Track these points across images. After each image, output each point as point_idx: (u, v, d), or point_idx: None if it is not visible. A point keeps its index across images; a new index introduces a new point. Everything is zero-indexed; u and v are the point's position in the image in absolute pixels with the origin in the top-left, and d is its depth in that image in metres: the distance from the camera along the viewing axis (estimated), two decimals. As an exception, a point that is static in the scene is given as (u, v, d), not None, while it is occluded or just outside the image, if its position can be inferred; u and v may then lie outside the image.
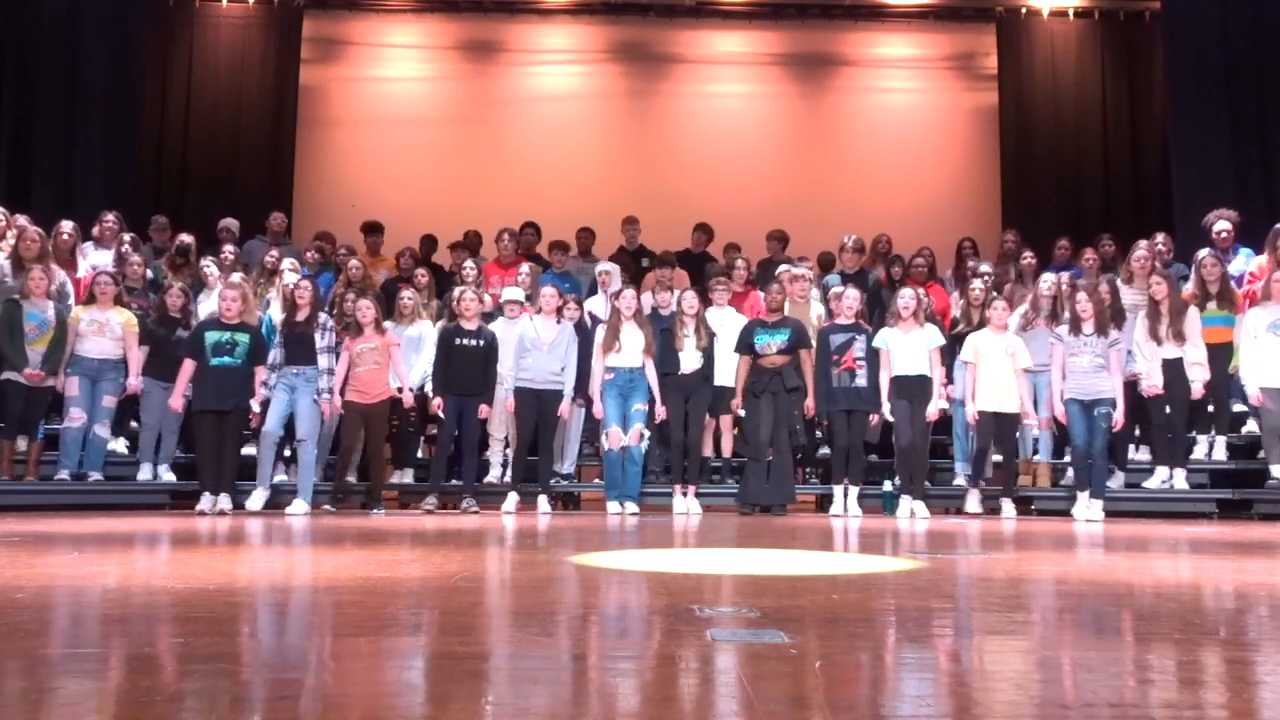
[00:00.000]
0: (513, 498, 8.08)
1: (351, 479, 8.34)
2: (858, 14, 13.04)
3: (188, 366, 7.63)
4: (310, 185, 12.66)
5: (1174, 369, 7.99)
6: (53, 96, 11.38)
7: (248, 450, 8.20)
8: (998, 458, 8.04)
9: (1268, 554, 5.51)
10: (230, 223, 10.26)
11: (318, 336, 7.79)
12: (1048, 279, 8.43)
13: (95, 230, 9.40)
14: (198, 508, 7.47)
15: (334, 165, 12.90)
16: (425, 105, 13.17)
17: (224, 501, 7.55)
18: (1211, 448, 8.40)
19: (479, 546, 5.77)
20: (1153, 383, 7.94)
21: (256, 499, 7.62)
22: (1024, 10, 12.90)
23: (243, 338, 7.64)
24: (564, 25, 13.20)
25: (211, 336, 7.62)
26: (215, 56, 12.65)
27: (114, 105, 11.48)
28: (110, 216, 9.42)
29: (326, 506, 7.81)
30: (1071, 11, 12.91)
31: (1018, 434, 8.16)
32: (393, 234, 10.74)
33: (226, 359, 7.58)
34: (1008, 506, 7.83)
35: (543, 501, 8.06)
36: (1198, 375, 7.96)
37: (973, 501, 7.94)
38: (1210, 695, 2.34)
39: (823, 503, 8.67)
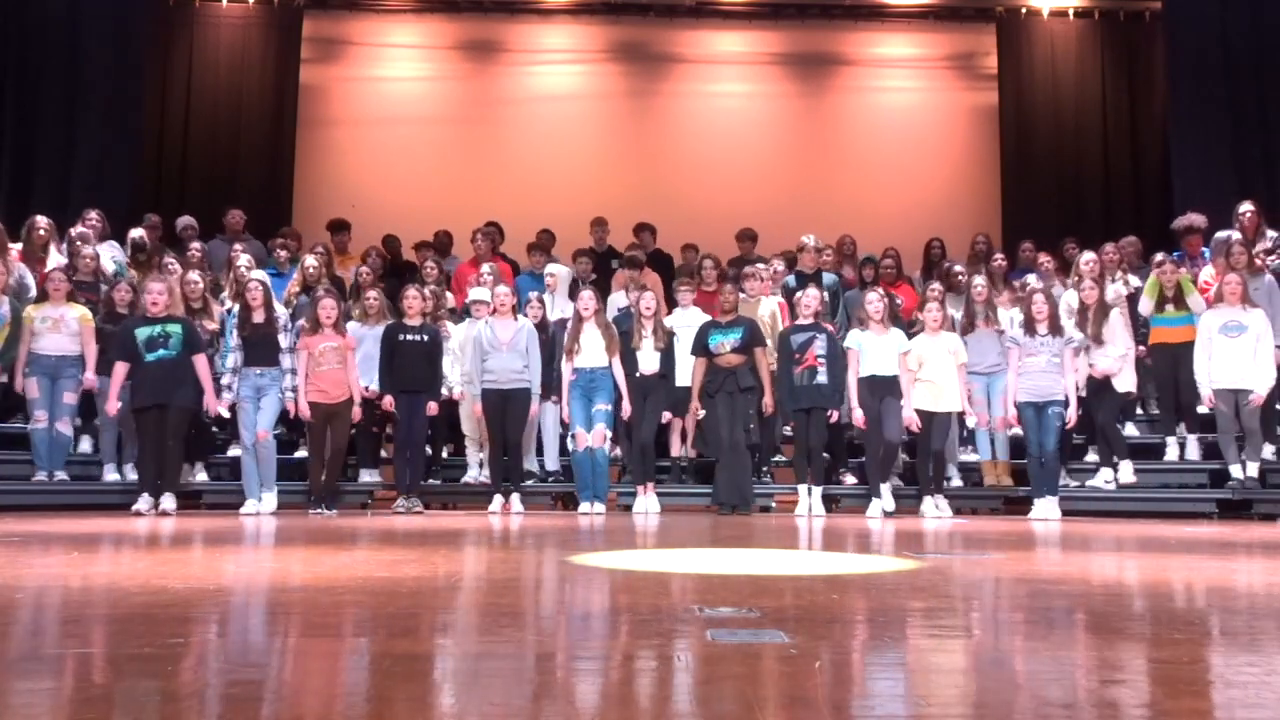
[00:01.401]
0: (497, 500, 8.06)
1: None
2: (858, 14, 13.04)
3: (120, 368, 7.46)
4: (310, 185, 12.65)
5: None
6: (53, 96, 11.37)
7: (232, 451, 8.16)
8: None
9: (1267, 554, 5.51)
10: (189, 221, 10.21)
11: (282, 338, 7.70)
12: (977, 283, 8.43)
13: (79, 227, 9.30)
14: (134, 509, 7.28)
15: (334, 165, 12.89)
16: (425, 105, 13.17)
17: (167, 502, 7.37)
18: (1183, 448, 8.42)
19: (477, 547, 5.77)
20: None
21: (249, 507, 7.54)
22: (1024, 10, 12.90)
23: (174, 329, 7.49)
24: (564, 25, 13.19)
25: (143, 333, 7.46)
26: (215, 56, 12.64)
27: (114, 105, 11.46)
28: (93, 214, 9.31)
29: (315, 511, 7.59)
30: (1071, 11, 12.90)
31: (960, 432, 8.22)
32: (393, 233, 10.75)
33: (162, 352, 7.42)
34: (938, 504, 7.82)
35: (515, 501, 8.02)
36: (1106, 363, 7.96)
37: (931, 506, 7.81)
38: (1210, 695, 2.34)
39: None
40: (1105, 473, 8.10)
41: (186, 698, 2.21)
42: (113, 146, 11.40)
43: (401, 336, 8.03)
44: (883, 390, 7.89)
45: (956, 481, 8.40)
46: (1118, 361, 8.04)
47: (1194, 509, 8.07)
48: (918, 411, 7.82)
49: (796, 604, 3.46)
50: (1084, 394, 7.99)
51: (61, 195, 10.87)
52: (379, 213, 11.11)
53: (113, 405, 7.56)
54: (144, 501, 7.35)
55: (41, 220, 8.79)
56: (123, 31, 11.62)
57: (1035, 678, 2.51)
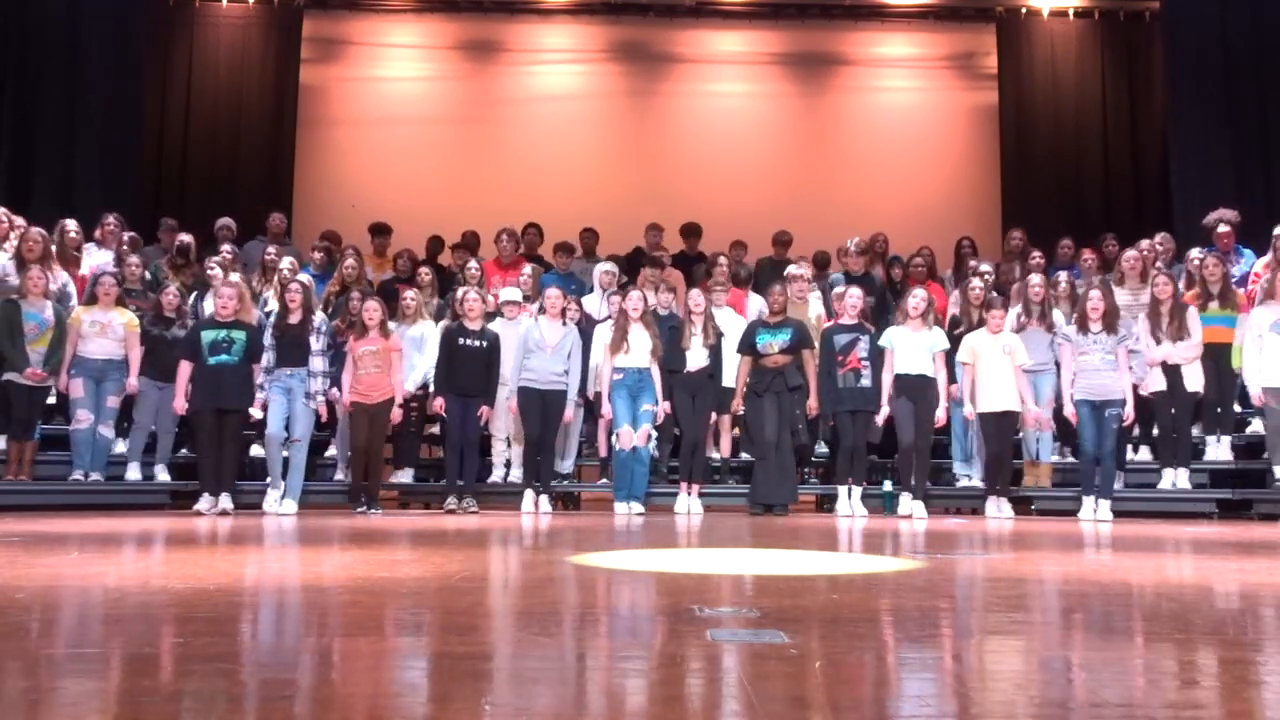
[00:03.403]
0: (529, 496, 8.07)
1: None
2: (858, 14, 13.04)
3: (185, 368, 7.60)
4: (310, 185, 12.65)
5: (1174, 370, 8.00)
6: (53, 96, 11.37)
7: (255, 451, 8.25)
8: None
9: (1268, 554, 5.51)
10: (227, 222, 10.27)
11: (313, 339, 7.77)
12: (1034, 280, 8.42)
13: (97, 232, 9.40)
14: (195, 507, 7.45)
15: (334, 165, 12.89)
16: (425, 105, 13.17)
17: (225, 501, 7.53)
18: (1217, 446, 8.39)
19: (479, 546, 5.77)
20: (1152, 384, 7.97)
21: (272, 500, 7.62)
22: (1024, 10, 12.90)
23: (239, 335, 7.61)
24: (564, 25, 13.20)
25: (208, 335, 7.60)
26: (215, 56, 12.64)
27: (114, 105, 11.47)
28: (111, 218, 9.40)
29: (361, 510, 7.68)
30: (1071, 11, 12.90)
31: (1019, 434, 8.17)
32: (394, 234, 10.76)
33: (224, 357, 7.56)
34: (1003, 506, 7.83)
35: (543, 501, 8.06)
36: (1184, 351, 7.96)
37: (993, 507, 7.84)
38: (1211, 696, 2.34)
39: (823, 503, 8.66)
40: (1170, 475, 8.08)
41: (185, 698, 2.21)
42: (113, 147, 11.41)
43: (461, 340, 8.02)
44: (910, 391, 7.86)
45: (976, 481, 8.37)
46: (1194, 349, 7.98)
47: (1194, 509, 8.06)
48: (980, 414, 7.81)
49: (796, 604, 3.46)
50: (1156, 392, 7.95)
51: (62, 195, 10.88)
52: (379, 214, 11.08)
53: (180, 404, 7.64)
54: (205, 501, 7.45)
55: (71, 224, 8.88)
56: (123, 31, 11.63)
57: (1036, 677, 2.51)
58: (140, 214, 10.50)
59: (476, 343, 8.02)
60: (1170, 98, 11.85)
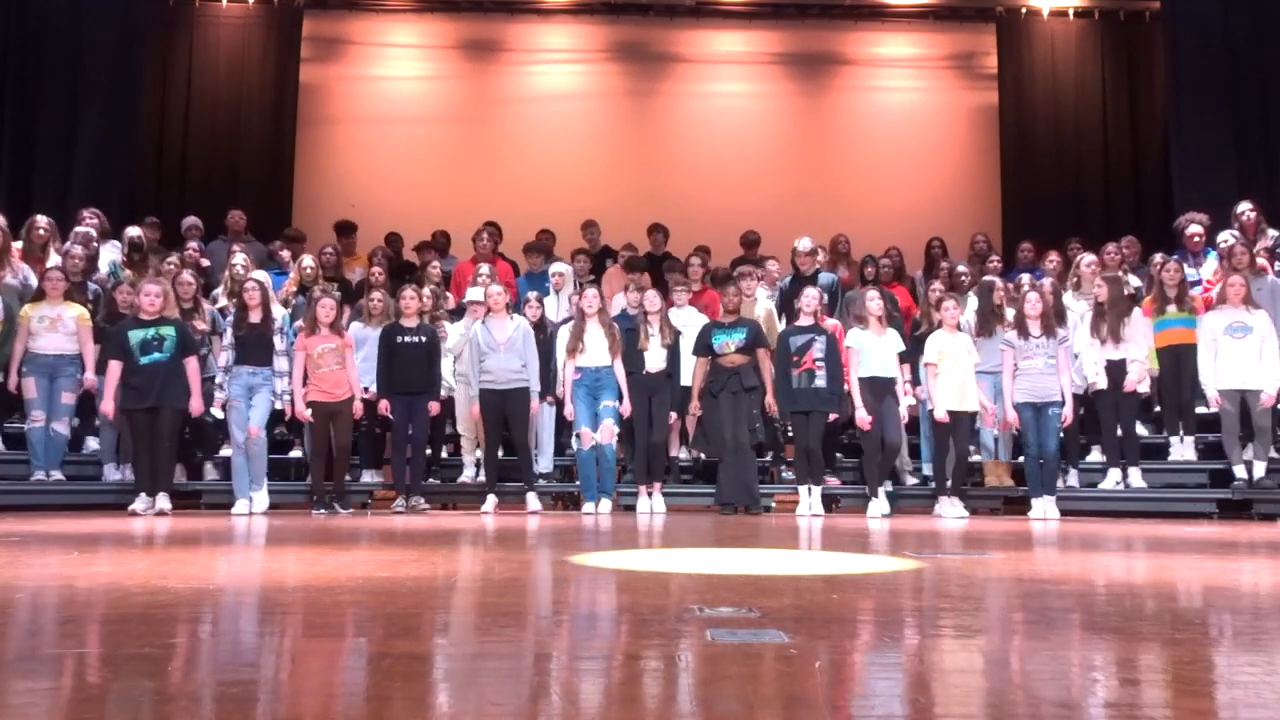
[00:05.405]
0: (491, 499, 8.06)
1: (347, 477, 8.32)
2: (858, 14, 13.04)
3: (115, 367, 7.42)
4: (310, 185, 12.65)
5: (1118, 369, 8.03)
6: (54, 96, 11.37)
7: (225, 451, 8.15)
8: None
9: (1268, 554, 5.51)
10: (193, 220, 10.23)
11: (276, 339, 7.70)
12: (997, 284, 8.41)
13: (79, 227, 9.28)
14: (131, 508, 7.26)
15: (334, 164, 12.89)
16: (425, 105, 13.17)
17: (163, 501, 7.36)
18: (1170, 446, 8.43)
19: (477, 547, 5.77)
20: (1095, 382, 8.01)
21: (241, 508, 7.53)
22: (1024, 10, 12.89)
23: (168, 331, 7.46)
24: (564, 25, 13.20)
25: (136, 335, 7.43)
26: (215, 56, 12.64)
27: (115, 105, 11.46)
28: (85, 214, 9.23)
29: (318, 511, 7.63)
30: (1071, 11, 12.90)
31: (977, 432, 8.22)
32: (394, 232, 10.75)
33: (156, 355, 7.40)
34: (956, 505, 7.82)
35: (531, 499, 8.03)
36: (1133, 371, 7.98)
37: (953, 507, 7.80)
38: (1209, 695, 2.34)
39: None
40: (1114, 474, 8.10)
41: (183, 698, 2.21)
42: (113, 147, 11.39)
43: (399, 338, 8.03)
44: (881, 391, 7.92)
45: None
46: (1143, 367, 8.03)
47: (1194, 509, 8.07)
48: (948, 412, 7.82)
49: (796, 604, 3.46)
50: (1100, 389, 7.97)
51: (62, 195, 10.87)
52: (379, 213, 11.09)
53: (108, 405, 7.53)
54: (141, 502, 7.33)
55: (41, 219, 8.79)
56: (124, 31, 11.62)
57: (1035, 677, 2.50)
58: (141, 214, 10.49)
59: (414, 339, 8.02)
60: (1172, 97, 11.84)
